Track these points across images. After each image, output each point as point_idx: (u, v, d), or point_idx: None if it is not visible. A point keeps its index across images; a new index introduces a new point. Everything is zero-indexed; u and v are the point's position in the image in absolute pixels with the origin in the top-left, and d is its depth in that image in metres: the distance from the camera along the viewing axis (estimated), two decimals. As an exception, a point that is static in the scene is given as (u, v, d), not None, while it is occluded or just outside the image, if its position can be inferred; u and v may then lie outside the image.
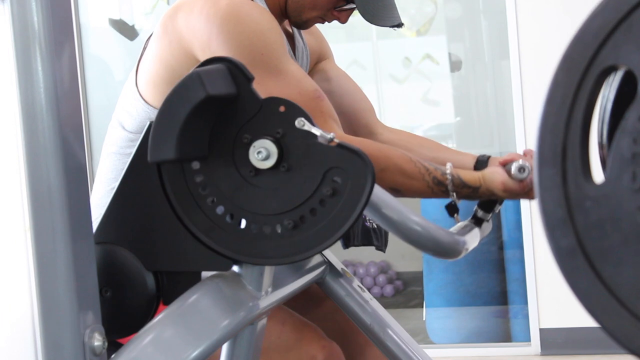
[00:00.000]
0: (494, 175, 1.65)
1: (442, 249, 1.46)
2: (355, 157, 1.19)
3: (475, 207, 1.72)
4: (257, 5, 1.70)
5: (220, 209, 1.24)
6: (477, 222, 1.70)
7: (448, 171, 1.64)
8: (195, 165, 1.24)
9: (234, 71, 1.22)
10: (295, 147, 1.21)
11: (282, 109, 1.21)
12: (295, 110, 1.20)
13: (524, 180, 1.63)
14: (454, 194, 1.64)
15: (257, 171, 1.22)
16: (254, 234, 1.23)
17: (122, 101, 1.81)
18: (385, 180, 1.62)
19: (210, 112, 1.21)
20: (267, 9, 1.75)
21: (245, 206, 1.23)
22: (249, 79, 1.22)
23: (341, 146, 1.20)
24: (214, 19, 1.64)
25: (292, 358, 1.72)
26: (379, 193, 1.41)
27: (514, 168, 1.63)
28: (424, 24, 4.87)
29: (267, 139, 1.21)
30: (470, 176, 1.65)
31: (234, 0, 1.66)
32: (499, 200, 1.72)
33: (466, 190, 1.64)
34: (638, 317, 0.91)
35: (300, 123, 1.20)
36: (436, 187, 1.65)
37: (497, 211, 1.73)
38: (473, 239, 1.61)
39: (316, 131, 1.19)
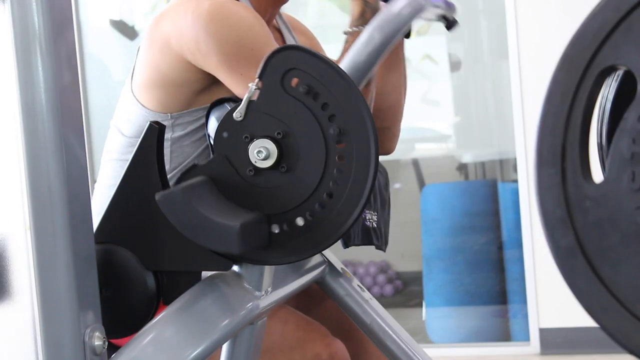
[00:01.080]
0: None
1: None
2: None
3: None
4: (241, 3, 1.71)
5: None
6: None
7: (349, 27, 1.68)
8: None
9: None
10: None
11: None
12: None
13: None
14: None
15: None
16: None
17: (119, 108, 1.82)
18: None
19: None
20: (252, 8, 1.75)
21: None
22: None
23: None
24: (198, 20, 1.64)
25: (297, 356, 1.72)
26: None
27: None
28: (424, 24, 4.87)
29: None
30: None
31: (216, 1, 1.67)
32: None
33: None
34: (637, 317, 0.92)
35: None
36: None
37: None
38: None
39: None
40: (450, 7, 1.65)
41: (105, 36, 5.00)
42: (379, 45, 1.32)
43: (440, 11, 1.61)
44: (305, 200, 1.22)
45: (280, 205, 1.22)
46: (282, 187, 1.22)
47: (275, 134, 1.21)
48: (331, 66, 1.20)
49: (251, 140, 1.22)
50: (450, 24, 1.70)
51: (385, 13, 1.35)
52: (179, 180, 1.23)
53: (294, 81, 1.21)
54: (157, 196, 1.20)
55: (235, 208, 1.21)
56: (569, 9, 3.90)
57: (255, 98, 1.23)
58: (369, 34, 1.33)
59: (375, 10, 1.69)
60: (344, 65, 1.32)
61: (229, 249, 1.18)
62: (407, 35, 1.79)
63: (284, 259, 1.24)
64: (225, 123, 1.24)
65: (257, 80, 1.22)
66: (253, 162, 1.22)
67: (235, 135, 1.23)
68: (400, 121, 1.95)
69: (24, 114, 1.13)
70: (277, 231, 1.23)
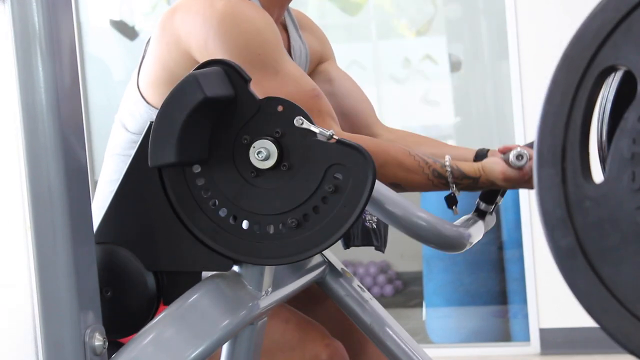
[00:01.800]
0: (494, 165, 1.65)
1: (447, 243, 1.47)
2: (355, 153, 1.19)
3: (477, 199, 1.72)
4: (253, 5, 1.71)
5: (223, 212, 1.24)
6: (480, 214, 1.70)
7: (447, 163, 1.65)
8: (196, 168, 1.24)
9: (231, 73, 1.23)
10: (295, 146, 1.21)
11: (280, 108, 1.21)
12: (293, 109, 1.21)
13: (523, 167, 1.63)
14: (454, 186, 1.65)
15: (258, 172, 1.22)
16: (258, 234, 1.23)
17: (124, 103, 1.82)
18: (386, 175, 1.63)
19: (209, 114, 1.21)
20: (262, 8, 1.75)
21: (248, 207, 1.23)
22: (246, 80, 1.22)
23: (341, 142, 1.20)
24: (210, 20, 1.64)
25: (296, 357, 1.72)
26: (381, 189, 1.41)
27: (512, 156, 1.64)
28: (424, 24, 4.87)
29: (266, 139, 1.21)
30: (470, 167, 1.66)
31: (230, 1, 1.66)
32: (501, 191, 1.72)
33: (466, 181, 1.65)
34: (637, 317, 0.92)
35: (299, 122, 1.20)
36: (436, 179, 1.65)
37: (499, 202, 1.74)
38: (477, 232, 1.62)
39: (315, 129, 1.19)
40: None
41: (105, 36, 5.00)
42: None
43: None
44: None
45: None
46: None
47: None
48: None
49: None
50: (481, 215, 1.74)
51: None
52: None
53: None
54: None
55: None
56: (569, 9, 3.90)
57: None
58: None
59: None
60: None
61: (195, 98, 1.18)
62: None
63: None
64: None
65: None
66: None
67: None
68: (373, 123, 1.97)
69: (24, 114, 1.13)
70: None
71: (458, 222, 1.64)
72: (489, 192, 1.71)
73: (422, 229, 1.43)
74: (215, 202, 1.24)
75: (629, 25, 0.92)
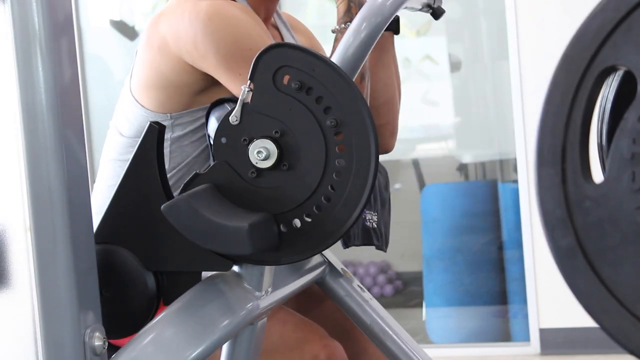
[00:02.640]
0: None
1: None
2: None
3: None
4: (238, 4, 1.71)
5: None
6: None
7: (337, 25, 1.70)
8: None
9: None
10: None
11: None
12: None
13: None
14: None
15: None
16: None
17: (119, 108, 1.82)
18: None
19: None
20: (249, 8, 1.75)
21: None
22: None
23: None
24: (196, 21, 1.65)
25: (295, 357, 1.72)
26: None
27: None
28: (424, 25, 4.87)
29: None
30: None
31: (214, 1, 1.67)
32: None
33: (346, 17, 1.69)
34: (637, 317, 0.92)
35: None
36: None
37: None
38: None
39: None
40: None
41: (105, 36, 5.00)
42: (367, 37, 1.33)
43: (424, 0, 1.61)
44: (308, 197, 1.22)
45: (284, 205, 1.22)
46: (285, 186, 1.22)
47: (273, 132, 1.21)
48: (321, 59, 1.20)
49: (250, 142, 1.22)
50: (436, 12, 1.70)
51: (370, 5, 1.35)
52: (182, 190, 1.23)
53: (286, 78, 1.21)
54: (163, 207, 1.20)
55: (241, 210, 1.22)
56: (569, 9, 3.90)
57: (249, 100, 1.23)
58: (356, 26, 1.34)
59: (360, 5, 1.69)
60: (334, 59, 1.32)
61: (240, 251, 1.18)
62: (396, 31, 1.79)
63: (284, 259, 1.24)
64: (223, 128, 1.24)
65: (248, 82, 1.22)
66: (254, 163, 1.22)
67: (233, 140, 1.23)
68: (397, 117, 1.95)
69: (24, 114, 1.13)
70: (283, 230, 1.23)
71: None
72: None
73: None
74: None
75: (629, 25, 0.92)
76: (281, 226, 1.23)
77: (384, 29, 1.34)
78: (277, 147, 1.21)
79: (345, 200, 1.20)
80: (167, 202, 1.20)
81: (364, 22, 1.33)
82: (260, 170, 1.22)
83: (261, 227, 1.19)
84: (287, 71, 1.21)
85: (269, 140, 1.21)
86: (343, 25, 1.70)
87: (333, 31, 1.72)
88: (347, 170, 1.20)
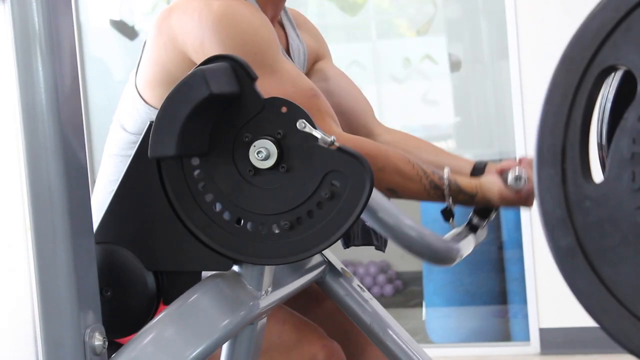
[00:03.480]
0: (491, 185, 1.65)
1: (436, 256, 1.47)
2: (354, 162, 1.19)
3: (471, 213, 1.72)
4: (249, 5, 1.71)
5: (218, 206, 1.24)
6: (472, 228, 1.70)
7: (445, 176, 1.64)
8: (195, 161, 1.24)
9: (238, 70, 1.23)
10: (295, 149, 1.21)
11: (284, 109, 1.21)
12: (297, 112, 1.21)
13: (521, 189, 1.63)
14: (451, 199, 1.64)
15: (257, 171, 1.22)
16: (251, 232, 1.24)
17: (122, 103, 1.82)
18: (383, 180, 1.63)
19: (212, 110, 1.21)
20: (259, 9, 1.75)
21: (243, 205, 1.24)
22: (252, 78, 1.23)
23: (341, 150, 1.20)
24: (206, 20, 1.64)
25: (293, 357, 1.72)
26: (377, 197, 1.41)
27: (510, 177, 1.64)
28: (424, 24, 4.87)
29: (267, 139, 1.21)
30: (468, 183, 1.66)
31: (226, 1, 1.67)
32: (495, 208, 1.72)
33: (462, 196, 1.65)
34: (637, 317, 0.92)
35: (302, 125, 1.20)
36: (433, 190, 1.65)
37: (492, 218, 1.73)
38: (467, 246, 1.61)
39: (317, 134, 1.19)
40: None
41: (105, 36, 5.00)
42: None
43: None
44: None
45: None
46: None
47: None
48: None
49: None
50: (473, 227, 1.72)
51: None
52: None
53: None
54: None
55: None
56: (569, 9, 3.90)
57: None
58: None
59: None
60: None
61: (199, 94, 1.18)
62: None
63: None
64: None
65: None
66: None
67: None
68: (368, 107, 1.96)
69: (24, 114, 1.13)
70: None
71: (449, 235, 1.64)
72: (484, 207, 1.71)
73: (412, 240, 1.43)
74: (211, 196, 1.24)
75: (628, 25, 0.92)
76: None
77: None
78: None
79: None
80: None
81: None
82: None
83: (217, 72, 1.19)
84: None
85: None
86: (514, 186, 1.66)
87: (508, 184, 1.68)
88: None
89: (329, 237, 1.22)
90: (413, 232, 1.42)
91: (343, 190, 1.21)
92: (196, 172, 1.24)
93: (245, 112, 1.23)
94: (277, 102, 1.21)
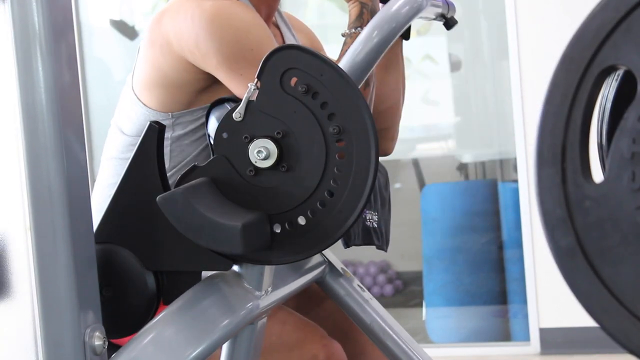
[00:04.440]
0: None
1: None
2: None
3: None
4: (242, 4, 1.71)
5: None
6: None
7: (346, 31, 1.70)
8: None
9: None
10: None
11: None
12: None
13: None
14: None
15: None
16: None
17: (120, 106, 1.82)
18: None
19: None
20: (253, 8, 1.75)
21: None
22: None
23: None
24: (199, 20, 1.65)
25: (294, 357, 1.72)
26: None
27: None
28: (424, 24, 4.87)
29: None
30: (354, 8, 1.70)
31: (218, 1, 1.67)
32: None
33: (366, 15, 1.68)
34: (637, 317, 0.92)
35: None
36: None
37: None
38: None
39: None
40: (450, 6, 1.65)
41: (105, 36, 5.00)
42: (377, 44, 1.33)
43: (439, 10, 1.61)
44: (305, 199, 1.22)
45: (281, 205, 1.22)
46: (283, 187, 1.22)
47: (275, 133, 1.22)
48: (330, 65, 1.20)
49: (251, 140, 1.22)
50: (449, 22, 1.70)
51: (384, 13, 1.35)
52: (179, 182, 1.23)
53: (293, 80, 1.21)
54: (159, 199, 1.20)
55: (236, 208, 1.21)
56: (569, 9, 3.90)
57: (254, 98, 1.23)
58: (367, 33, 1.33)
59: (373, 12, 1.69)
60: (342, 65, 1.32)
61: (232, 250, 1.18)
62: (406, 37, 1.78)
63: (284, 258, 1.24)
64: (225, 124, 1.24)
65: (256, 80, 1.22)
66: (253, 162, 1.22)
67: (235, 136, 1.23)
68: (398, 122, 1.95)
69: (24, 114, 1.13)
70: (277, 231, 1.23)
71: None
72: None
73: None
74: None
75: (628, 25, 0.92)
76: (283, 225, 1.23)
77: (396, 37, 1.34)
78: (277, 148, 1.21)
79: (345, 200, 1.21)
80: (163, 194, 1.20)
81: (376, 30, 1.33)
82: (258, 170, 1.22)
83: (254, 228, 1.19)
84: (295, 74, 1.21)
85: (270, 141, 1.21)
86: (354, 30, 1.69)
87: (343, 35, 1.72)
88: (346, 174, 1.20)
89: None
90: None
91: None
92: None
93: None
94: None
